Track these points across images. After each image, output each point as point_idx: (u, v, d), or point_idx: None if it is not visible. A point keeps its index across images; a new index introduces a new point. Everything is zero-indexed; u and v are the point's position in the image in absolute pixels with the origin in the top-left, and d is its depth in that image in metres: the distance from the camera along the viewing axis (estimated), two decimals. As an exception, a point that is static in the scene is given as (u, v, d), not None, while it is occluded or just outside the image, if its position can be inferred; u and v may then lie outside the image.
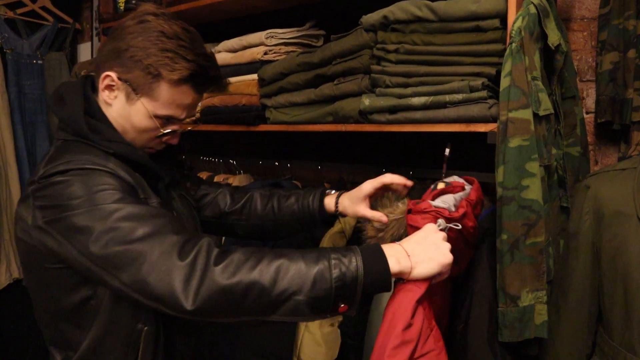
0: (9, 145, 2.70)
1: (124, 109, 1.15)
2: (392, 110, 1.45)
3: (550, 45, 1.32)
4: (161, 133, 1.17)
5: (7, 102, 2.71)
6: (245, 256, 0.96)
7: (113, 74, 1.12)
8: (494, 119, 1.30)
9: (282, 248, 1.02)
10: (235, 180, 2.17)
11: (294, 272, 0.94)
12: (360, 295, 0.96)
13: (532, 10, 1.27)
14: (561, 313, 1.33)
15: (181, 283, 0.92)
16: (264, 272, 0.94)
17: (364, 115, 1.52)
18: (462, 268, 1.28)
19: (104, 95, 1.15)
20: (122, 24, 1.14)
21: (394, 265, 0.99)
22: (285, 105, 1.76)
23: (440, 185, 1.26)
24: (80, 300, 1.07)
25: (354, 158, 2.05)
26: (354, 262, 0.96)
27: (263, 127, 1.86)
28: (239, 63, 1.89)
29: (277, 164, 2.07)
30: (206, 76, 1.15)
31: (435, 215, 1.13)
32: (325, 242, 1.58)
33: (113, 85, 1.14)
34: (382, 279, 0.98)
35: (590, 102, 1.66)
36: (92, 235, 0.97)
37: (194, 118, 1.43)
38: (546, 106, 1.29)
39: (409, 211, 1.18)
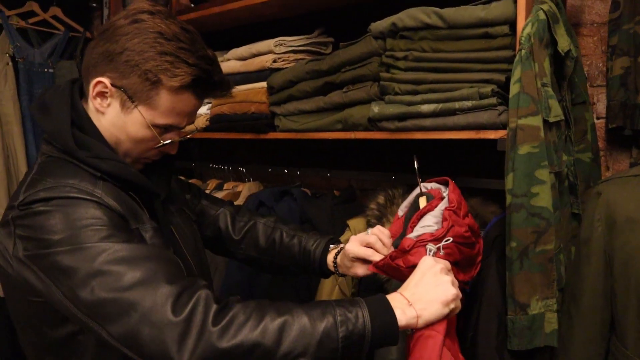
0: (21, 153, 2.72)
1: (119, 118, 1.05)
2: (402, 117, 1.45)
3: (560, 51, 1.31)
4: (161, 144, 1.08)
5: (19, 110, 2.73)
6: (245, 314, 0.87)
7: (106, 80, 1.01)
8: (504, 126, 1.29)
9: (285, 301, 0.94)
10: (245, 188, 2.18)
11: (298, 331, 0.87)
12: (366, 352, 0.91)
13: (542, 16, 1.26)
14: (573, 321, 1.31)
15: (175, 343, 0.83)
16: (267, 332, 0.86)
17: (373, 123, 1.52)
18: (477, 262, 1.23)
19: (95, 103, 1.05)
20: (113, 23, 1.02)
21: (401, 318, 0.93)
22: (294, 113, 1.76)
23: (422, 202, 1.22)
24: (66, 334, 0.98)
25: (363, 165, 2.05)
26: (360, 319, 0.90)
27: (272, 135, 1.87)
28: (248, 71, 1.89)
29: (286, 171, 2.07)
30: (210, 81, 1.05)
31: (421, 244, 1.09)
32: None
33: (106, 92, 1.03)
34: (390, 334, 0.92)
35: (601, 107, 1.65)
36: (77, 278, 0.88)
37: (193, 126, 1.31)
38: (556, 112, 1.29)
39: (392, 257, 1.11)
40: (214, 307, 0.87)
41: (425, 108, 1.40)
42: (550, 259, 1.25)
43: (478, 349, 1.31)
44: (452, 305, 0.97)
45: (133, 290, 0.86)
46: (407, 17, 1.43)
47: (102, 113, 1.06)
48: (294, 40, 1.84)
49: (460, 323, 1.34)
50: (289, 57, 1.83)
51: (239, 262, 1.49)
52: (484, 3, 1.35)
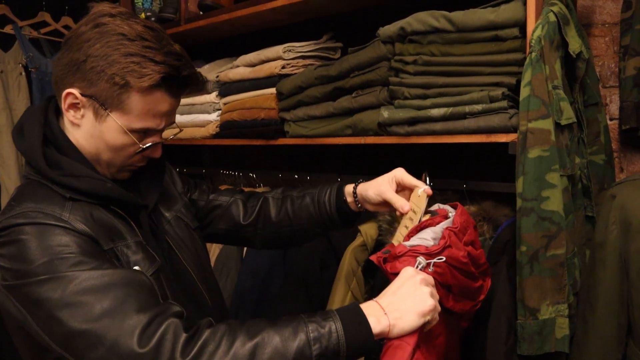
0: (34, 162, 2.76)
1: (95, 128, 1.01)
2: (411, 122, 1.44)
3: (571, 53, 1.30)
4: (141, 148, 1.05)
5: (32, 119, 2.77)
6: (215, 341, 0.85)
7: (75, 91, 0.98)
8: (515, 129, 1.28)
9: (257, 320, 0.92)
10: (256, 194, 2.17)
11: (270, 353, 0.84)
12: None
13: (552, 18, 1.25)
14: (589, 325, 1.30)
15: None
16: (238, 356, 0.84)
17: (383, 128, 1.52)
18: (477, 300, 1.20)
19: (69, 116, 1.02)
20: (75, 31, 1.00)
21: (375, 326, 0.90)
22: (303, 118, 1.76)
23: (425, 217, 1.19)
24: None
25: (373, 169, 2.04)
26: (334, 333, 0.87)
27: (282, 141, 1.87)
28: (257, 77, 1.90)
29: (296, 176, 2.07)
30: (180, 77, 1.01)
31: (412, 255, 1.05)
32: (347, 257, 1.57)
33: (77, 103, 1.00)
34: (366, 344, 0.89)
35: (613, 108, 1.63)
36: (48, 310, 0.86)
37: (175, 128, 1.25)
38: (568, 115, 1.27)
39: (384, 260, 1.09)
40: (183, 336, 0.84)
41: (435, 112, 1.39)
42: (562, 264, 1.23)
43: (487, 354, 1.29)
44: (428, 317, 0.94)
45: (100, 321, 0.84)
46: (415, 21, 1.42)
47: (78, 125, 1.03)
48: (303, 46, 1.84)
49: (470, 327, 1.33)
50: (297, 62, 1.83)
51: (261, 248, 1.46)
52: (493, 6, 1.34)
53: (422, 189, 1.20)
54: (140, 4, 2.42)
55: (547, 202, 1.22)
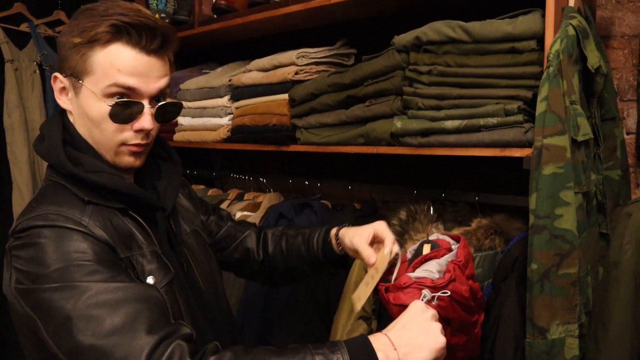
0: (46, 160, 2.77)
1: (78, 106, 1.03)
2: (425, 133, 1.43)
3: (590, 67, 1.28)
4: (114, 103, 0.99)
5: (44, 117, 2.78)
6: None
7: (59, 74, 1.04)
8: (530, 144, 1.26)
9: (262, 348, 0.91)
10: (265, 199, 2.17)
11: None
12: None
13: (571, 32, 1.23)
14: (601, 346, 1.27)
15: None
16: None
17: (396, 138, 1.50)
18: (472, 334, 1.18)
19: (62, 103, 1.05)
20: None
21: None
22: (315, 126, 1.75)
23: (426, 249, 1.18)
24: None
25: (385, 179, 2.03)
26: None
27: (293, 148, 1.86)
28: (270, 83, 1.88)
29: (307, 182, 2.06)
30: (136, 25, 0.98)
31: (418, 287, 1.05)
32: (356, 267, 1.56)
33: (63, 87, 1.04)
34: None
35: (631, 122, 1.60)
36: (58, 319, 0.86)
37: (172, 99, 1.15)
38: (585, 131, 1.25)
39: (386, 289, 1.08)
40: None
41: (449, 124, 1.37)
42: (573, 283, 1.21)
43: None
44: (437, 356, 0.92)
45: (110, 338, 0.84)
46: (431, 30, 1.40)
47: (71, 112, 1.06)
48: (316, 52, 1.83)
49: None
50: (311, 68, 1.82)
51: (262, 284, 1.49)
52: (510, 17, 1.32)
53: (388, 248, 1.18)
54: (154, 5, 2.43)
55: (560, 220, 1.20)
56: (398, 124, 1.47)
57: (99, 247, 0.94)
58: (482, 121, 1.32)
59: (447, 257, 1.13)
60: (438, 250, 1.15)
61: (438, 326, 0.95)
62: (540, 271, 1.21)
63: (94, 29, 0.97)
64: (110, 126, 1.01)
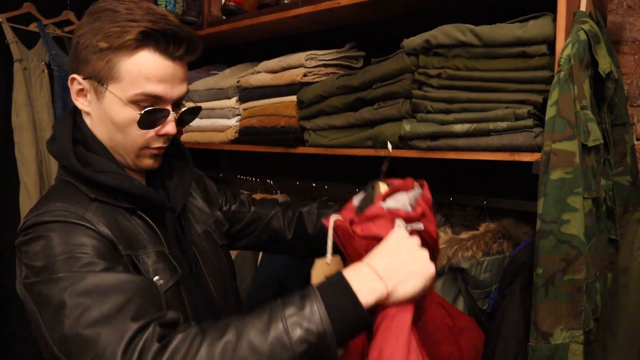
0: (54, 159, 2.78)
1: (101, 110, 1.02)
2: (434, 136, 1.42)
3: (601, 72, 1.27)
4: (143, 111, 1.00)
5: (52, 117, 2.79)
6: (184, 348, 0.80)
7: (77, 75, 1.02)
8: (539, 149, 1.25)
9: (230, 317, 0.85)
10: (272, 200, 2.17)
11: (244, 350, 0.78)
12: (335, 349, 0.80)
13: (582, 36, 1.22)
14: (609, 352, 1.27)
15: None
16: (207, 359, 0.78)
17: (405, 141, 1.50)
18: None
19: (79, 105, 1.05)
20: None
21: (368, 298, 0.81)
22: (324, 128, 1.75)
23: (383, 187, 1.05)
24: None
25: (392, 181, 2.02)
26: (316, 314, 0.79)
27: (301, 150, 1.85)
28: (278, 84, 1.88)
29: (314, 185, 2.05)
30: (164, 32, 0.98)
31: (391, 217, 0.93)
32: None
33: (82, 89, 1.03)
34: (357, 321, 0.81)
35: (641, 128, 1.60)
36: (51, 309, 0.85)
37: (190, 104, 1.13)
38: (595, 136, 1.24)
39: (351, 222, 0.96)
40: (155, 346, 0.80)
41: (459, 128, 1.37)
42: (579, 289, 1.20)
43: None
44: (428, 284, 0.86)
45: (95, 326, 0.82)
46: (441, 34, 1.40)
47: (89, 114, 1.05)
48: (325, 54, 1.83)
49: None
50: (319, 70, 1.82)
51: (306, 257, 1.49)
52: (521, 21, 1.31)
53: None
54: (163, 6, 2.43)
55: (567, 226, 1.19)
56: (407, 127, 1.47)
57: (100, 241, 0.94)
58: (491, 125, 1.32)
59: (416, 193, 1.03)
60: (406, 183, 1.05)
61: (426, 254, 0.88)
62: (545, 276, 1.20)
63: (122, 36, 0.96)
64: (135, 131, 1.02)
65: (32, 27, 2.77)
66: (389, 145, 1.54)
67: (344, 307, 0.80)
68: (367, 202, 1.05)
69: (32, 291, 0.90)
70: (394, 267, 0.85)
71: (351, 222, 0.96)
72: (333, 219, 0.98)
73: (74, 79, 1.03)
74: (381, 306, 0.84)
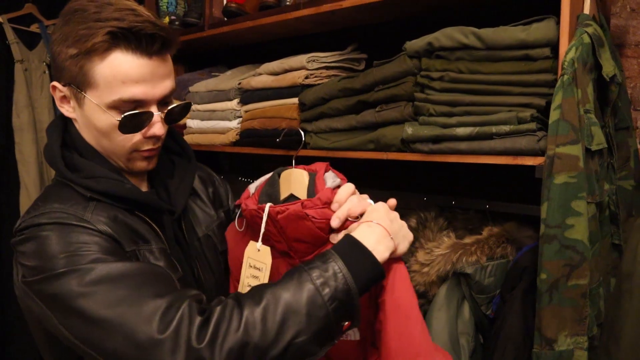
0: (54, 160, 2.78)
1: (83, 116, 0.99)
2: (436, 140, 1.41)
3: (605, 76, 1.26)
4: (122, 117, 0.95)
5: (53, 117, 2.78)
6: (226, 319, 0.82)
7: (57, 84, 0.99)
8: (543, 153, 1.24)
9: (260, 285, 0.90)
10: (273, 203, 2.16)
11: (282, 314, 0.83)
12: (359, 302, 0.88)
13: (586, 39, 1.21)
14: (613, 358, 1.26)
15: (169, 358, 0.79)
16: (249, 327, 0.81)
17: (407, 144, 1.49)
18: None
19: (64, 112, 1.02)
20: None
21: (384, 254, 0.93)
22: (325, 130, 1.74)
23: (302, 172, 1.15)
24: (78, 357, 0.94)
25: (393, 184, 2.01)
26: (339, 273, 0.86)
27: (303, 152, 1.84)
28: (280, 87, 1.87)
29: (315, 187, 2.04)
30: (132, 30, 0.92)
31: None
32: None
33: (64, 96, 1.00)
34: (375, 276, 0.91)
35: (644, 132, 1.59)
36: (66, 302, 0.85)
37: (178, 101, 1.08)
38: (599, 140, 1.23)
39: (303, 205, 1.03)
40: (197, 320, 0.82)
41: (461, 131, 1.36)
42: (584, 295, 1.19)
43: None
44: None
45: (117, 308, 0.82)
46: (443, 36, 1.39)
47: (76, 120, 1.02)
48: (327, 57, 1.82)
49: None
50: (321, 73, 1.81)
51: None
52: (524, 24, 1.31)
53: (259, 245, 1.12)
54: (164, 7, 2.43)
55: (571, 231, 1.18)
56: (409, 130, 1.46)
57: (103, 239, 0.93)
58: (494, 129, 1.31)
59: (330, 172, 1.15)
60: (314, 166, 1.17)
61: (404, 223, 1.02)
62: (549, 281, 1.19)
63: (90, 39, 0.91)
64: (120, 136, 0.99)
65: (34, 28, 2.77)
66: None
67: (363, 265, 0.89)
68: (275, 188, 1.18)
69: (35, 289, 0.89)
70: (396, 228, 0.98)
71: (304, 206, 1.02)
72: (267, 205, 1.05)
73: (54, 86, 1.00)
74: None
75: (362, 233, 0.94)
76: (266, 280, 1.08)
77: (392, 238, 0.95)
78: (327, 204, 1.03)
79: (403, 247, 0.99)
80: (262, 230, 1.06)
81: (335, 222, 1.01)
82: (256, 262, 1.09)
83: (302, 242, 1.06)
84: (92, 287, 0.84)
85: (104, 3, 0.94)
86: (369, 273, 0.90)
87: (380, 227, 0.95)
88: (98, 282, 0.84)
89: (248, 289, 1.00)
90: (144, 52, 0.94)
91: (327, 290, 0.85)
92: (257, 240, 1.11)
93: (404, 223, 1.01)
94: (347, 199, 1.04)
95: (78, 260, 0.87)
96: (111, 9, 0.92)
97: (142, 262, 0.96)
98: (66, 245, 0.89)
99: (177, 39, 1.01)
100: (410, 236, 1.01)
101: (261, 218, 1.05)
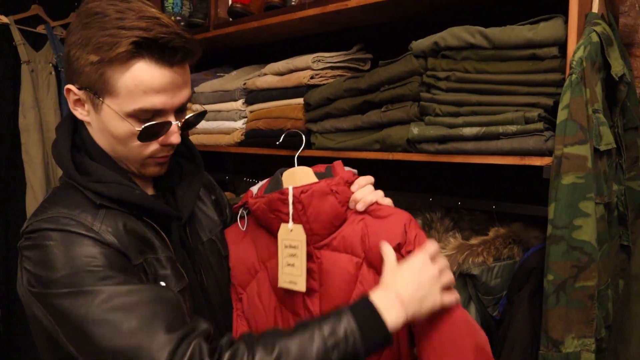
0: (60, 161, 2.78)
1: (99, 122, 0.97)
2: (442, 140, 1.40)
3: (614, 75, 1.25)
4: (143, 127, 0.95)
5: (59, 118, 2.79)
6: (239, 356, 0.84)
7: (71, 86, 0.96)
8: (550, 153, 1.23)
9: (272, 330, 0.92)
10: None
11: (295, 353, 0.85)
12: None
13: (595, 38, 1.20)
14: (621, 361, 1.24)
15: None
16: None
17: (412, 144, 1.48)
18: None
19: (77, 115, 0.99)
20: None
21: (395, 323, 0.91)
22: (331, 131, 1.73)
23: (307, 169, 1.20)
24: None
25: (398, 185, 2.00)
26: (350, 337, 0.87)
27: (308, 153, 1.84)
28: (285, 87, 1.87)
29: (321, 188, 2.03)
30: (157, 40, 0.90)
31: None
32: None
33: (78, 99, 0.98)
34: (383, 342, 0.90)
35: (653, 132, 1.57)
36: (75, 324, 0.85)
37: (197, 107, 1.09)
38: (608, 140, 1.22)
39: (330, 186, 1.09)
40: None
41: (467, 131, 1.35)
42: (591, 296, 1.18)
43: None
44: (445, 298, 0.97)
45: (129, 340, 0.82)
46: (450, 36, 1.38)
47: (89, 123, 1.00)
48: (332, 57, 1.81)
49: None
50: (326, 73, 1.80)
51: None
52: (531, 23, 1.30)
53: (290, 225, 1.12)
54: (170, 8, 2.43)
55: (579, 232, 1.17)
56: (415, 130, 1.45)
57: (110, 252, 0.91)
58: (501, 129, 1.30)
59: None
60: (320, 167, 1.22)
61: (440, 284, 0.96)
62: (556, 282, 1.18)
63: (114, 48, 0.89)
64: (137, 143, 0.98)
65: (40, 29, 2.77)
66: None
67: (374, 331, 0.89)
68: (279, 185, 1.21)
69: (42, 301, 0.89)
70: (417, 297, 0.93)
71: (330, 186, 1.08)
72: (291, 187, 1.09)
73: (69, 89, 0.97)
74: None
75: (381, 296, 0.93)
76: (304, 257, 1.09)
77: (405, 307, 0.92)
78: (349, 183, 1.10)
79: (420, 314, 0.94)
80: (291, 210, 1.09)
81: (360, 206, 1.08)
82: (291, 241, 1.11)
83: (321, 222, 1.08)
84: (104, 315, 0.84)
85: (125, 8, 0.92)
86: (378, 340, 0.90)
87: (394, 295, 0.92)
88: (110, 310, 0.84)
89: (288, 268, 1.08)
90: (166, 62, 0.93)
91: (335, 353, 0.86)
92: (264, 237, 1.15)
93: (436, 290, 0.95)
94: (367, 185, 1.12)
95: (86, 279, 0.86)
96: (134, 16, 0.91)
97: (152, 285, 0.94)
98: (72, 259, 0.88)
99: (199, 50, 0.99)
100: (433, 306, 0.95)
101: (283, 202, 1.08)
